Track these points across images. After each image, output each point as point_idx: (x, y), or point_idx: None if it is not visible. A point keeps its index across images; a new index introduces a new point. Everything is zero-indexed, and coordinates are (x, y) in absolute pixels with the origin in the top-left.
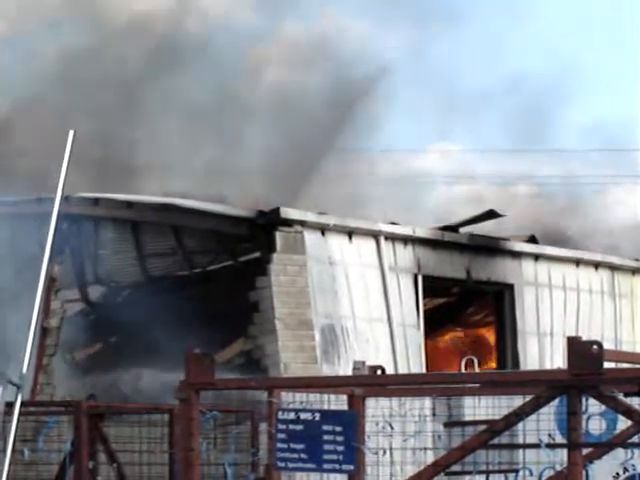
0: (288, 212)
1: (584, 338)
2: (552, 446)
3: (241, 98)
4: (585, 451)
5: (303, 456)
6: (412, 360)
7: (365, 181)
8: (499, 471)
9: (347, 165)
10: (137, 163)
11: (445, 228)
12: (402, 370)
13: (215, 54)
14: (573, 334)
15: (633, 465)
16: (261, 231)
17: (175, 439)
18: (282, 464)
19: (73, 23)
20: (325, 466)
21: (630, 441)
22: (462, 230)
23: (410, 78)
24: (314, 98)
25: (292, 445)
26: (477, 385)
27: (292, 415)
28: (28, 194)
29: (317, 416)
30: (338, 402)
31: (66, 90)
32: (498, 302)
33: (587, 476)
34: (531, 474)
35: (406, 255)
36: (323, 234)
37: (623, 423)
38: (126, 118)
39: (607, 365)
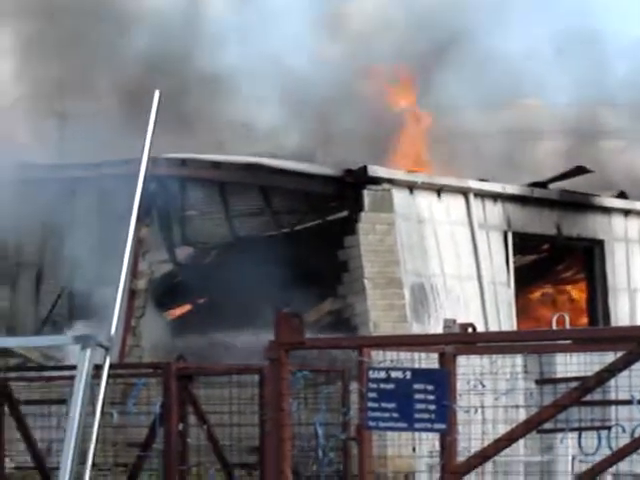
0: (376, 170)
1: None
2: None
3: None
4: None
5: (394, 415)
6: (502, 317)
7: (454, 137)
8: (591, 428)
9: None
10: (223, 123)
11: (535, 184)
12: (492, 328)
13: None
14: None
15: None
16: (349, 190)
17: (265, 400)
18: (373, 423)
19: None
20: (416, 425)
21: None
22: (552, 186)
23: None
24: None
25: (383, 404)
26: (569, 342)
27: (383, 374)
28: (114, 156)
29: (408, 375)
30: (429, 361)
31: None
32: (588, 258)
33: None
34: (624, 431)
35: (496, 212)
36: (411, 192)
37: None
38: (212, 78)
39: None
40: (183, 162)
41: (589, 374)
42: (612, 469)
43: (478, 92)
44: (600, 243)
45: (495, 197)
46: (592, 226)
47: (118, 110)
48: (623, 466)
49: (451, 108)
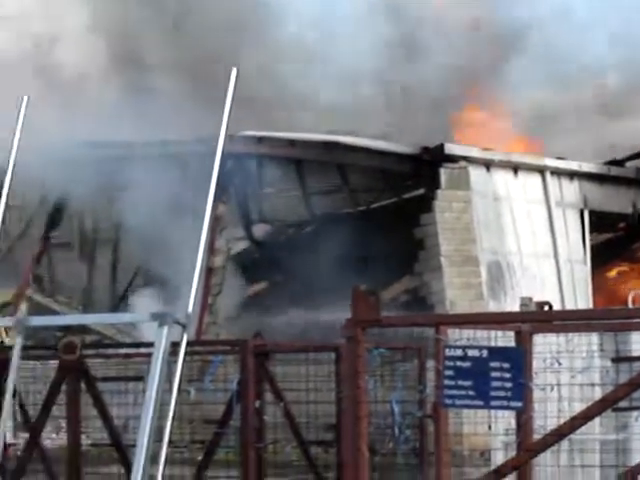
0: (452, 148)
1: None
2: None
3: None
4: None
5: (470, 393)
6: (579, 296)
7: (529, 115)
8: None
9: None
10: (300, 101)
11: (611, 163)
12: (569, 306)
13: None
14: None
15: None
16: (426, 168)
17: (342, 377)
18: (449, 401)
19: None
20: (493, 403)
21: None
22: (628, 164)
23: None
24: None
25: (459, 382)
26: None
27: (459, 352)
28: (193, 133)
29: (484, 353)
30: (505, 339)
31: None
32: None
33: None
34: None
35: (572, 190)
36: (488, 170)
37: None
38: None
39: None
40: (260, 140)
41: None
42: None
43: (554, 70)
44: None
45: (572, 175)
46: None
47: (195, 87)
48: None
49: (528, 86)
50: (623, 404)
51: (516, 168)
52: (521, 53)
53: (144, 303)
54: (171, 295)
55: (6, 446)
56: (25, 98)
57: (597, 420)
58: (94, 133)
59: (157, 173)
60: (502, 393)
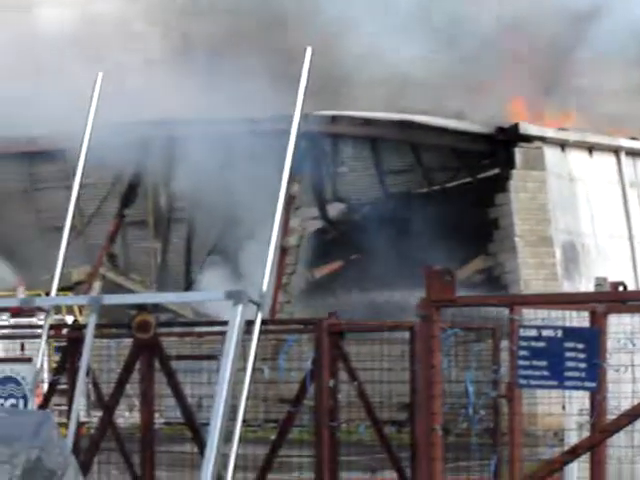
0: (527, 128)
1: None
2: None
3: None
4: None
5: (545, 373)
6: None
7: (603, 95)
8: None
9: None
10: (371, 79)
11: None
12: None
13: None
14: None
15: None
16: (500, 147)
17: (416, 356)
18: (524, 381)
19: None
20: (567, 383)
21: None
22: None
23: None
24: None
25: (534, 362)
26: None
27: (534, 332)
28: (267, 112)
29: (559, 333)
30: (580, 319)
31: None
32: None
33: None
34: None
35: None
36: (563, 150)
37: None
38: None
39: None
40: (334, 119)
41: None
42: None
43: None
44: None
45: None
46: None
47: (269, 67)
48: None
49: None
50: None
51: (591, 148)
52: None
53: (218, 282)
54: (245, 274)
55: (80, 424)
56: (100, 74)
57: None
58: (170, 111)
59: (232, 152)
60: (576, 374)
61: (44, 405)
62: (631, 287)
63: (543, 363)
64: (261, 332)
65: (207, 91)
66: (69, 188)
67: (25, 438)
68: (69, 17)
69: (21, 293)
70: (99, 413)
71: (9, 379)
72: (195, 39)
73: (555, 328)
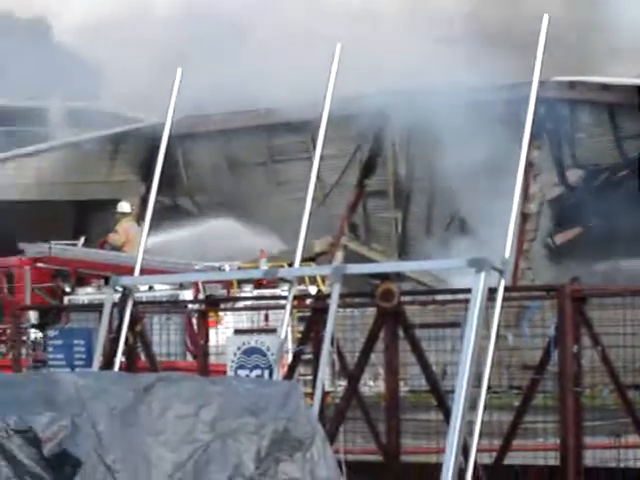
0: None
1: None
2: None
3: None
4: None
5: None
6: None
7: None
8: None
9: None
10: (613, 47)
11: None
12: None
13: None
14: None
15: None
16: None
17: None
18: None
19: None
20: None
21: None
22: None
23: None
24: None
25: None
26: None
27: None
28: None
29: None
30: None
31: None
32: None
33: None
34: None
35: None
36: None
37: None
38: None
39: None
40: (571, 85)
41: None
42: None
43: None
44: None
45: None
46: None
47: (508, 33)
48: None
49: None
50: None
51: None
52: None
53: (459, 250)
54: (486, 242)
55: (325, 394)
56: (338, 45)
57: None
58: (409, 79)
59: (472, 120)
60: None
61: (289, 375)
62: None
63: None
64: (504, 299)
65: (444, 59)
66: (309, 160)
67: (272, 409)
68: None
69: (264, 265)
70: (344, 382)
71: (254, 350)
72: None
73: None
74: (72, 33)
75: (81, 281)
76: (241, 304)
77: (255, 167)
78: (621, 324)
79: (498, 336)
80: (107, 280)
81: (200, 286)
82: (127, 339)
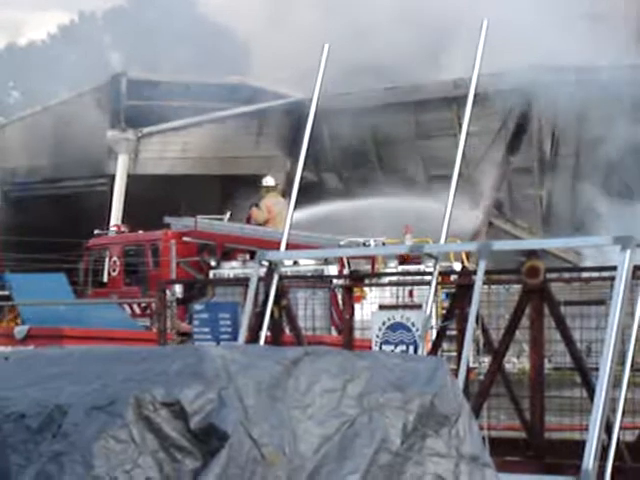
0: None
1: None
2: None
3: None
4: None
5: None
6: None
7: None
8: None
9: None
10: None
11: None
12: None
13: None
14: None
15: None
16: None
17: None
18: None
19: None
20: None
21: None
22: None
23: None
24: None
25: None
26: None
27: None
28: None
29: None
30: None
31: None
32: None
33: None
34: None
35: None
36: None
37: None
38: None
39: None
40: None
41: None
42: None
43: None
44: None
45: None
46: None
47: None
48: None
49: None
50: None
51: None
52: None
53: (603, 227)
54: (633, 219)
55: (469, 370)
56: (485, 21)
57: None
58: (555, 56)
59: (613, 96)
60: None
61: (434, 351)
62: None
63: None
64: None
65: (589, 35)
66: (455, 136)
67: (419, 384)
68: None
69: (409, 240)
70: (488, 359)
71: (399, 325)
72: None
73: None
74: (216, 6)
75: (226, 255)
76: (386, 280)
77: (402, 143)
78: None
79: None
80: (252, 255)
81: (345, 261)
82: (272, 313)
